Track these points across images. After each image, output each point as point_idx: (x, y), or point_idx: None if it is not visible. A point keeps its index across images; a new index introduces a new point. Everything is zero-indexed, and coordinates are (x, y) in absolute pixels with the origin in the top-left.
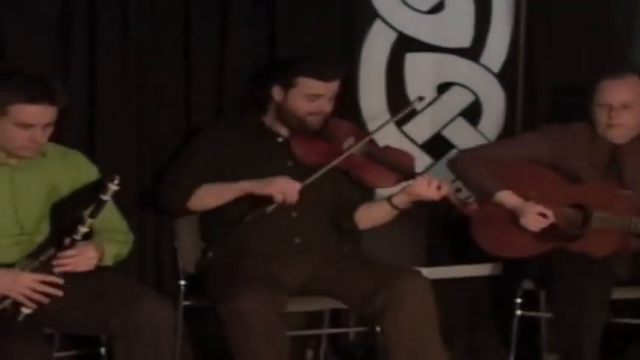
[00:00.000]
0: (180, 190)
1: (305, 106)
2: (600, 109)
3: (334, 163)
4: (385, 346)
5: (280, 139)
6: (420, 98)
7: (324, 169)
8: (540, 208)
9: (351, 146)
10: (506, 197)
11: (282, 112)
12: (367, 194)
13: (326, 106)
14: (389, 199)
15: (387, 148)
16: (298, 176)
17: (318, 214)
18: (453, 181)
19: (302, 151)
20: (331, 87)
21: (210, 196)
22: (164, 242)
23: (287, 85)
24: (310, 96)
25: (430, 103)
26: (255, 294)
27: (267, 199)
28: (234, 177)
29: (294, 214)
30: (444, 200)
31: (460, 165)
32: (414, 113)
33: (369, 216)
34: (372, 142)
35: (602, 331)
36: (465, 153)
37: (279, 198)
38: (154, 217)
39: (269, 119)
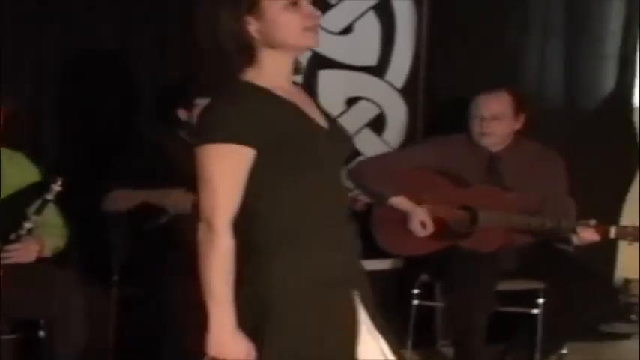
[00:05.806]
0: None
1: None
2: (475, 120)
3: None
4: None
5: None
6: None
7: None
8: (423, 217)
9: None
10: (399, 202)
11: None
12: None
13: None
14: None
15: None
16: None
17: None
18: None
19: None
20: None
21: None
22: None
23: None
24: None
25: (340, 115)
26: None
27: None
28: None
29: None
30: None
31: (357, 175)
32: None
33: None
34: None
35: (488, 317)
36: (362, 164)
37: None
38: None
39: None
